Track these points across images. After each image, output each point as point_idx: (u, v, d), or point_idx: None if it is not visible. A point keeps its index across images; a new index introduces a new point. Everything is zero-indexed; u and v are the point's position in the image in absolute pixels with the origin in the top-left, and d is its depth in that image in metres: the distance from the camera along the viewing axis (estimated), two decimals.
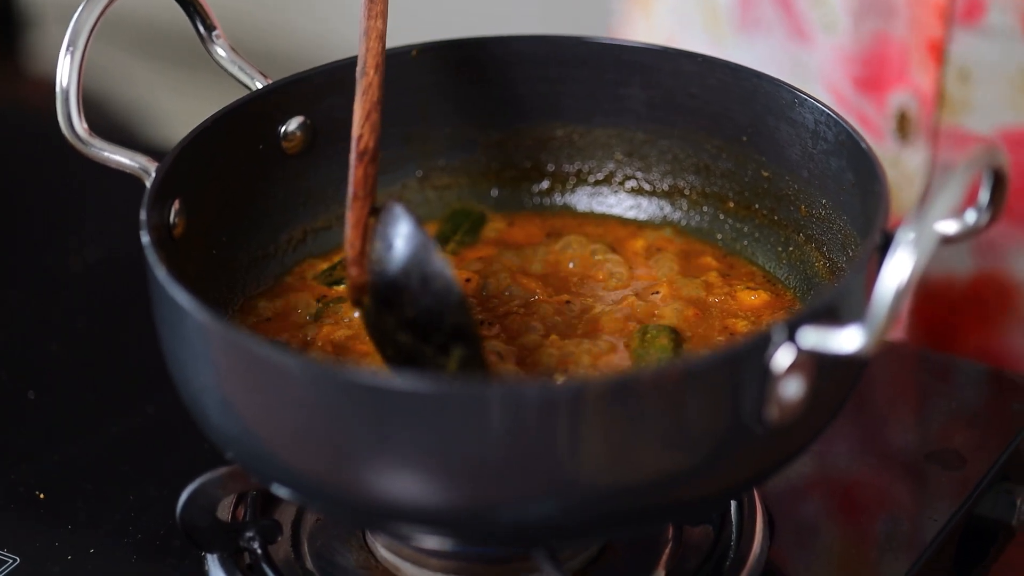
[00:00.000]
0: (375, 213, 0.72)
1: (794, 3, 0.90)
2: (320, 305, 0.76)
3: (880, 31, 0.87)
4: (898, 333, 0.92)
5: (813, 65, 0.90)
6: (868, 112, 0.89)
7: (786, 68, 0.92)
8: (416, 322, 0.68)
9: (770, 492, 0.76)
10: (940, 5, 0.85)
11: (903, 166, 0.91)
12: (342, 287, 0.77)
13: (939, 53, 0.86)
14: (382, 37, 0.73)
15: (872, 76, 0.89)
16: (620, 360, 0.72)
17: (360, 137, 0.72)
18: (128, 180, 0.72)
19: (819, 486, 0.79)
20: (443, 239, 0.80)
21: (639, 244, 0.80)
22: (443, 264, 0.68)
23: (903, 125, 0.89)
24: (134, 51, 1.43)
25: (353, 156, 0.72)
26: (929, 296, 0.91)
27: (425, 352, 0.69)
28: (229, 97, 0.76)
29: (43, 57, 1.47)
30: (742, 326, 0.74)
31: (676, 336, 0.73)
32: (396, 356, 0.70)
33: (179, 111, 1.35)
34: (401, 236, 0.69)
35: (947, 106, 0.87)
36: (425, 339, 0.69)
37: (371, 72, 0.72)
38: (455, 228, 0.81)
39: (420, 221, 0.69)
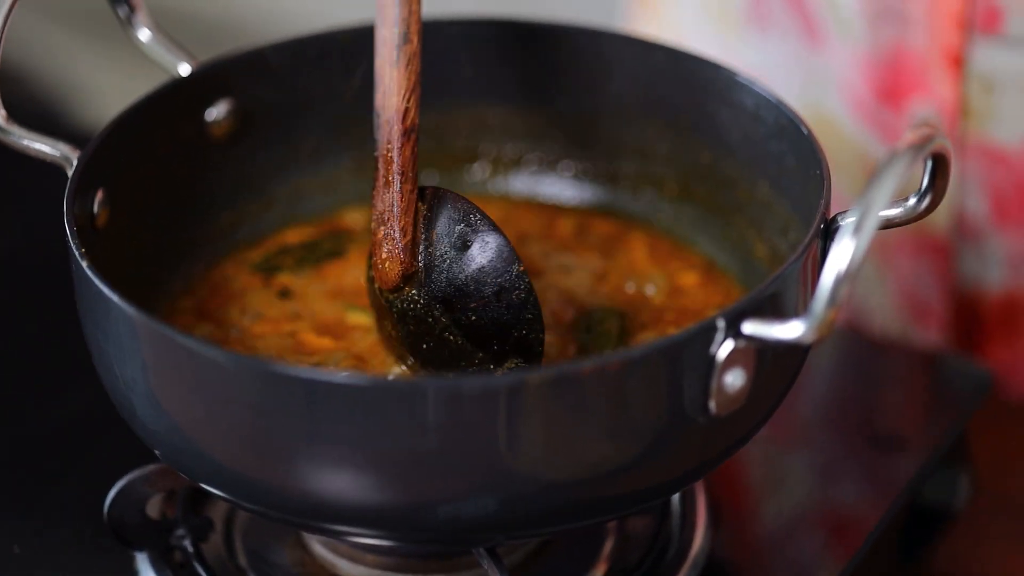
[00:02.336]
0: (424, 196, 0.68)
1: (808, 6, 0.88)
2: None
3: (897, 38, 0.86)
4: (933, 336, 0.91)
5: (830, 70, 0.89)
6: (890, 121, 0.88)
7: (801, 71, 0.90)
8: (476, 327, 0.67)
9: (712, 481, 0.75)
10: (957, 14, 0.84)
11: None
12: (281, 275, 0.75)
13: (958, 63, 0.85)
14: None
15: (891, 85, 0.87)
16: (564, 345, 0.71)
17: (406, 112, 0.67)
18: (50, 164, 0.70)
19: (762, 473, 0.78)
20: None
21: (578, 228, 0.79)
22: (524, 279, 0.66)
23: None
24: (58, 21, 1.39)
25: (397, 133, 0.67)
26: (961, 306, 0.90)
27: (474, 356, 0.67)
28: (162, 71, 0.74)
29: None
30: (688, 307, 0.73)
31: (622, 321, 0.72)
32: (432, 352, 0.68)
33: (108, 86, 1.31)
34: (479, 241, 0.67)
35: (972, 117, 0.86)
36: (481, 344, 0.67)
37: (415, 39, 0.67)
38: None
39: (486, 219, 0.67)
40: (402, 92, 0.67)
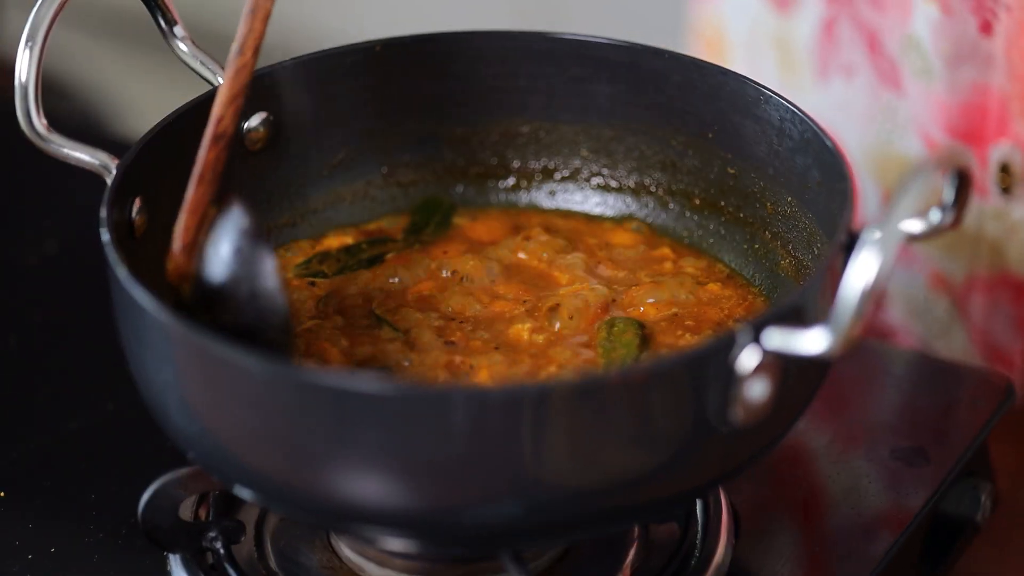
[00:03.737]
0: (217, 203, 0.69)
1: (883, 47, 0.88)
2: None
3: (978, 81, 0.86)
4: (1016, 378, 0.90)
5: (904, 113, 0.89)
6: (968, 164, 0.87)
7: (873, 114, 0.90)
8: (232, 330, 0.67)
9: (736, 490, 0.76)
10: None
11: (1007, 218, 0.88)
12: (321, 280, 0.76)
13: None
14: (267, 18, 0.70)
15: (972, 128, 0.87)
16: (587, 355, 0.72)
17: (220, 119, 0.69)
18: (87, 171, 0.72)
19: (784, 483, 0.78)
20: (415, 230, 0.80)
21: (604, 240, 0.79)
22: (276, 285, 0.66)
23: (1006, 178, 0.87)
24: (99, 36, 1.41)
25: (208, 137, 0.69)
26: None
27: None
28: (198, 84, 0.75)
29: (1, 39, 1.45)
30: (711, 318, 0.74)
31: (642, 330, 0.73)
32: None
33: (146, 99, 1.33)
34: (238, 243, 0.67)
35: None
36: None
37: (248, 53, 0.69)
38: (426, 220, 0.80)
39: (261, 231, 0.67)
40: (223, 99, 0.69)
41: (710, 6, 0.98)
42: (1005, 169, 0.87)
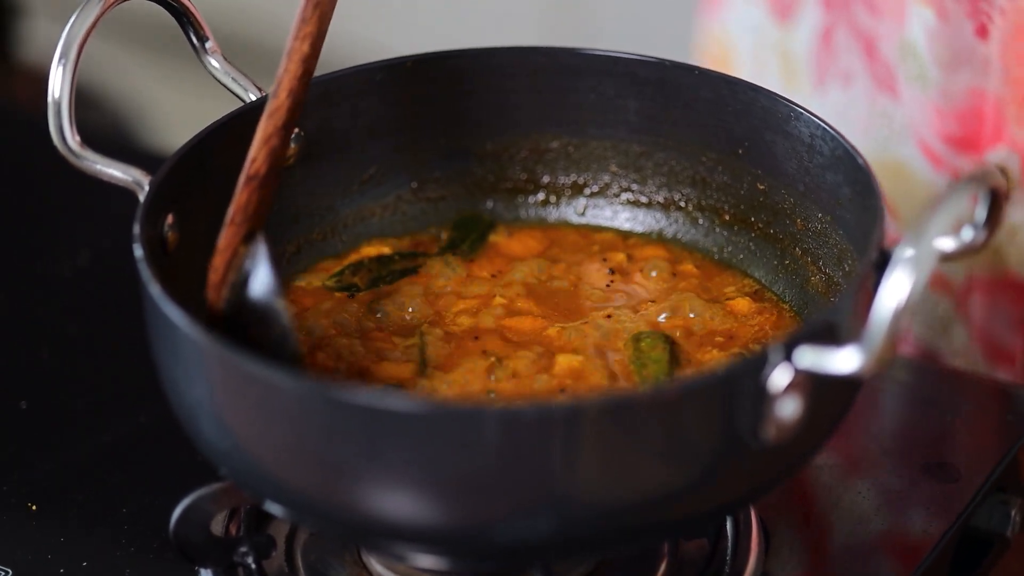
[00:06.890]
0: (249, 241, 0.70)
1: (880, 53, 0.88)
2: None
3: (974, 85, 0.85)
4: (1016, 377, 0.89)
5: (901, 119, 0.89)
6: (964, 168, 0.87)
7: (870, 121, 0.90)
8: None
9: (765, 505, 0.76)
10: None
11: (1005, 222, 0.87)
12: (356, 292, 0.77)
13: None
14: (306, 61, 0.70)
15: (968, 133, 0.86)
16: (617, 371, 0.72)
17: (254, 160, 0.69)
18: (120, 187, 0.72)
19: (814, 498, 0.79)
20: (452, 246, 0.80)
21: (632, 255, 0.79)
22: (283, 313, 0.67)
23: None
24: (130, 48, 1.42)
25: (242, 178, 0.70)
26: None
27: None
28: (229, 96, 0.76)
29: (32, 47, 1.46)
30: (740, 334, 0.74)
31: (671, 346, 0.73)
32: None
33: (176, 110, 1.34)
34: (255, 274, 0.68)
35: None
36: None
37: (283, 95, 0.69)
38: (464, 236, 0.80)
39: (277, 269, 0.68)
40: (257, 140, 0.70)
41: (714, 23, 0.98)
42: (1002, 174, 0.87)
